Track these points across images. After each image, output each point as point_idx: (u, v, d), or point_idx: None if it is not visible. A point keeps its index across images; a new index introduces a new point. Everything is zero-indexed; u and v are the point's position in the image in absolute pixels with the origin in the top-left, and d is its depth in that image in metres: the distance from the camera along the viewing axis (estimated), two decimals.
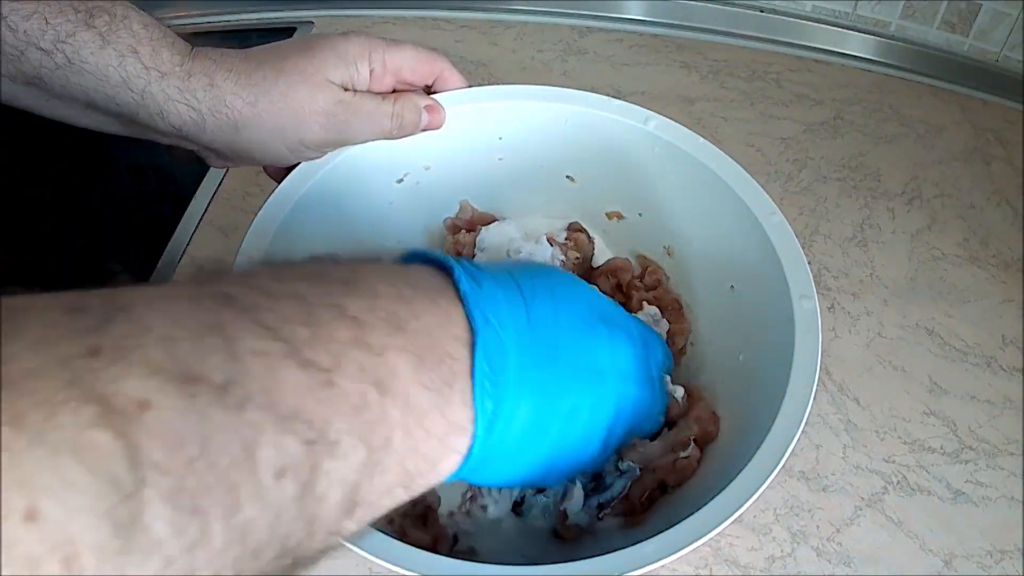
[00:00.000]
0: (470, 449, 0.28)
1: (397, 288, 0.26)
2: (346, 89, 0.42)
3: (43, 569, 0.15)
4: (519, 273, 0.32)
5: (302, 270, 0.25)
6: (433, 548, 0.36)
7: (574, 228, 0.50)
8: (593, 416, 0.34)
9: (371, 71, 0.43)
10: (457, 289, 0.29)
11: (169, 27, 0.42)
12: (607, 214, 0.50)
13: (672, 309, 0.47)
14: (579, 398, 0.33)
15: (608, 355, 0.34)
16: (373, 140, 0.44)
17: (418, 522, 0.40)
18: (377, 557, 0.31)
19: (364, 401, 0.23)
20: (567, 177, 0.50)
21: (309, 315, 0.23)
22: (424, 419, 0.25)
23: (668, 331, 0.46)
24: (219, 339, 0.20)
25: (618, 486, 0.40)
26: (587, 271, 0.50)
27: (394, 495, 0.25)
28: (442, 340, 0.27)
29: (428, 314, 0.27)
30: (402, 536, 0.36)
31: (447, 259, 0.30)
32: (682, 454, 0.40)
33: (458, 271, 0.29)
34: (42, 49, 0.38)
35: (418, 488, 0.27)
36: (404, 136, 0.45)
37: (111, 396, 0.17)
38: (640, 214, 0.49)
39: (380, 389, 0.23)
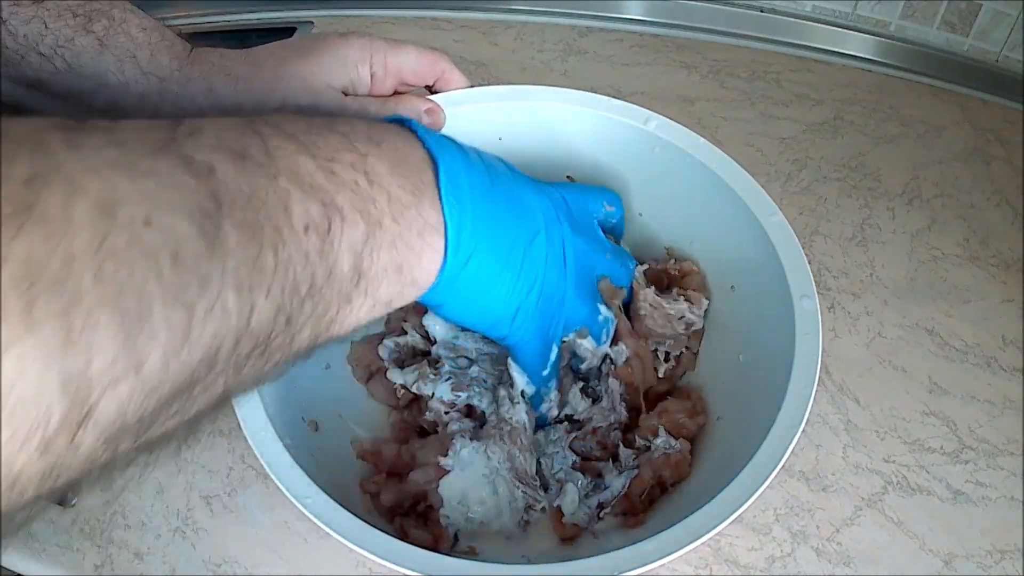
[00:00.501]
0: (445, 252, 0.33)
1: (370, 124, 0.33)
2: (347, 94, 0.42)
3: (159, 261, 0.21)
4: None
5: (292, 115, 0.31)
6: (434, 547, 0.36)
7: None
8: (547, 245, 0.39)
9: (372, 74, 0.43)
10: (419, 137, 0.35)
11: (169, 27, 0.41)
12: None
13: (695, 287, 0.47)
14: (528, 226, 0.38)
15: (545, 204, 0.40)
16: None
17: (419, 522, 0.40)
18: (378, 556, 0.32)
19: (358, 186, 0.29)
20: (567, 177, 0.50)
21: (309, 127, 0.29)
22: (405, 212, 0.31)
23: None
24: (256, 136, 0.27)
25: (617, 485, 0.41)
26: None
27: (389, 282, 0.31)
28: (410, 157, 0.33)
29: (398, 139, 0.33)
30: (403, 536, 0.36)
31: (409, 120, 0.36)
32: (675, 445, 0.40)
33: (417, 126, 0.35)
34: (42, 54, 0.38)
35: (408, 280, 0.32)
36: None
37: (190, 159, 0.23)
38: (640, 214, 0.49)
39: (367, 179, 0.30)
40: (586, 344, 0.42)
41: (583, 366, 0.43)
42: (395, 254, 0.31)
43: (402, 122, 0.35)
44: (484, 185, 0.36)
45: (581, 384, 0.45)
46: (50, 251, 0.19)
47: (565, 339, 0.42)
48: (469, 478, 0.40)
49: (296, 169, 0.27)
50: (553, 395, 0.43)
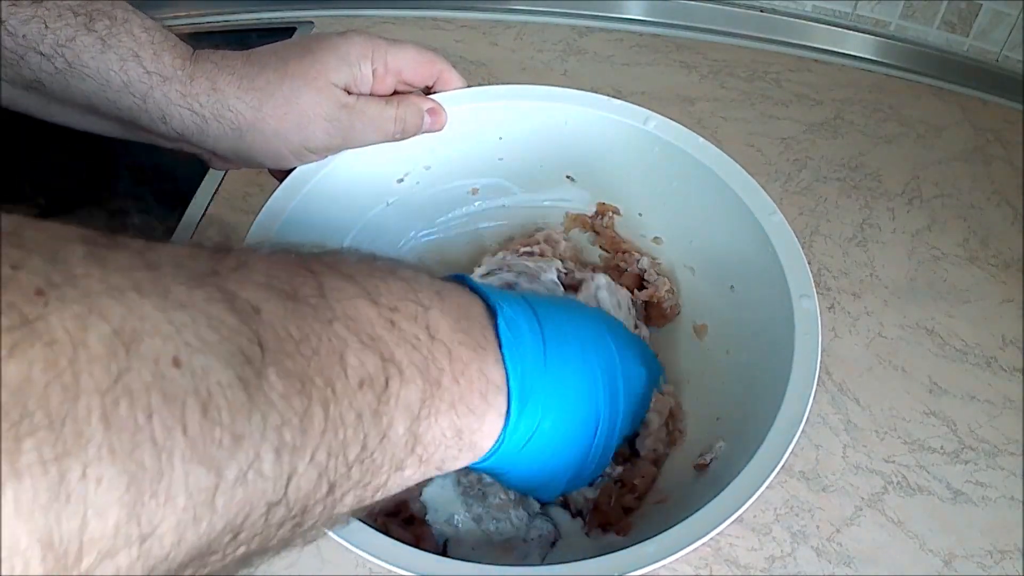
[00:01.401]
0: (508, 414, 0.30)
1: (431, 273, 0.31)
2: (349, 92, 0.42)
3: (187, 408, 0.18)
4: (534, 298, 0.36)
5: (350, 254, 0.29)
6: (416, 546, 0.36)
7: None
8: (605, 386, 0.36)
9: (373, 71, 0.43)
10: (478, 293, 0.33)
11: (169, 27, 0.41)
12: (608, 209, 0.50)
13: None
14: (591, 379, 0.35)
15: (617, 373, 0.37)
16: (375, 143, 0.44)
17: (402, 525, 0.40)
18: (378, 559, 0.31)
19: (418, 340, 0.27)
20: (567, 177, 0.50)
21: (371, 271, 0.27)
22: (466, 370, 0.29)
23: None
24: (310, 276, 0.24)
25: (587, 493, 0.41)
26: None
27: (446, 446, 0.28)
28: (471, 311, 0.31)
29: (458, 293, 0.31)
30: (385, 534, 0.36)
31: (465, 277, 0.34)
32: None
33: (473, 282, 0.33)
34: (42, 53, 0.38)
35: (467, 444, 0.29)
36: (406, 138, 0.45)
37: (234, 295, 0.21)
38: (640, 214, 0.49)
39: (429, 334, 0.27)
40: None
41: None
42: (455, 417, 0.28)
43: (459, 279, 0.34)
44: (549, 340, 0.33)
45: None
46: (52, 380, 0.16)
47: None
48: (449, 492, 0.40)
49: (355, 315, 0.24)
50: None
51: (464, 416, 0.28)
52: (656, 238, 0.49)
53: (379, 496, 0.26)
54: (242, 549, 0.21)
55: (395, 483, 0.27)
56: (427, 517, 0.40)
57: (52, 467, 0.15)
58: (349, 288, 0.25)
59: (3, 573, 0.15)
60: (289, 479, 0.21)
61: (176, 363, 0.18)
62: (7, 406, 0.15)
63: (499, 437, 0.31)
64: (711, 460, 0.39)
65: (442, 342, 0.28)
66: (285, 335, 0.22)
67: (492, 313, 0.32)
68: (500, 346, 0.31)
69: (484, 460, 0.31)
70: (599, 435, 0.36)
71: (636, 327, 0.46)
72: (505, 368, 0.31)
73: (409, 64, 0.44)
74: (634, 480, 0.41)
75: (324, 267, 0.25)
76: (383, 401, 0.24)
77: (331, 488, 0.23)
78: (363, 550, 0.31)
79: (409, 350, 0.26)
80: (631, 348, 0.40)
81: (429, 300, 0.28)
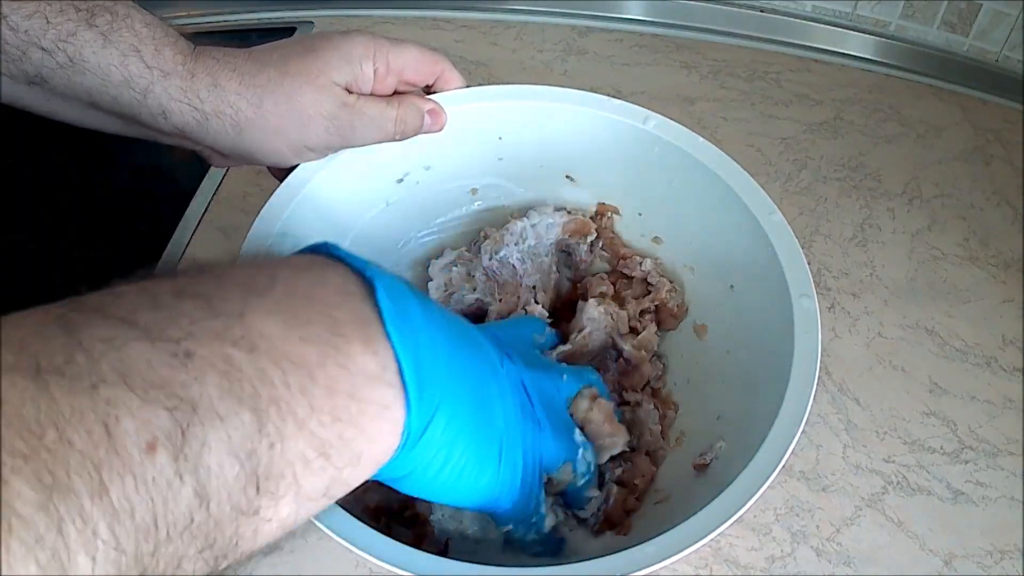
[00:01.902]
0: (407, 403, 0.26)
1: (258, 266, 0.26)
2: (350, 91, 0.42)
3: None
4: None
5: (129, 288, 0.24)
6: (417, 546, 0.36)
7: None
8: (510, 392, 0.33)
9: (375, 71, 0.43)
10: (343, 261, 0.28)
11: (172, 25, 0.41)
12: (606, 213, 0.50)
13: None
14: (492, 372, 0.32)
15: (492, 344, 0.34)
16: (375, 143, 0.44)
17: (405, 523, 0.40)
18: (377, 558, 0.31)
19: (230, 364, 0.22)
20: (567, 177, 0.50)
21: (154, 301, 0.22)
22: (316, 373, 0.24)
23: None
24: (65, 335, 0.20)
25: (594, 504, 0.40)
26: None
27: (312, 466, 0.24)
28: (319, 293, 0.26)
29: (302, 275, 0.26)
30: (387, 534, 0.36)
31: (327, 244, 0.29)
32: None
33: (338, 249, 0.28)
34: (43, 48, 0.38)
35: (348, 460, 0.25)
36: (405, 139, 0.45)
37: None
38: (640, 214, 0.49)
39: (246, 348, 0.22)
40: (569, 479, 0.38)
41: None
42: (311, 435, 0.23)
43: (318, 249, 0.29)
44: (438, 315, 0.29)
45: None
46: None
47: (550, 477, 0.37)
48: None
49: (126, 366, 0.20)
50: (547, 516, 0.38)
51: (327, 426, 0.24)
52: (656, 238, 0.49)
53: (246, 546, 0.23)
54: None
55: (260, 527, 0.23)
56: (431, 517, 0.40)
57: None
58: (119, 334, 0.21)
59: None
60: None
61: None
62: None
63: (402, 433, 0.27)
64: (711, 460, 0.39)
65: (268, 352, 0.23)
66: (32, 428, 0.18)
67: (367, 285, 0.27)
68: (381, 321, 0.26)
69: (389, 467, 0.27)
70: (514, 434, 0.33)
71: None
72: (391, 347, 0.26)
73: (411, 64, 0.44)
74: (634, 480, 0.41)
75: (89, 315, 0.21)
76: (187, 456, 0.20)
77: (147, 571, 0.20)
78: (362, 549, 0.31)
79: (216, 380, 0.21)
80: (533, 360, 0.38)
81: (240, 306, 0.23)
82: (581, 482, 0.38)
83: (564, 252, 0.50)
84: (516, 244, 0.48)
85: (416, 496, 0.32)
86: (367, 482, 0.27)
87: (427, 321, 0.28)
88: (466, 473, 0.31)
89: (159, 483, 0.20)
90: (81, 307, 0.21)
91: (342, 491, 0.26)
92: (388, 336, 0.26)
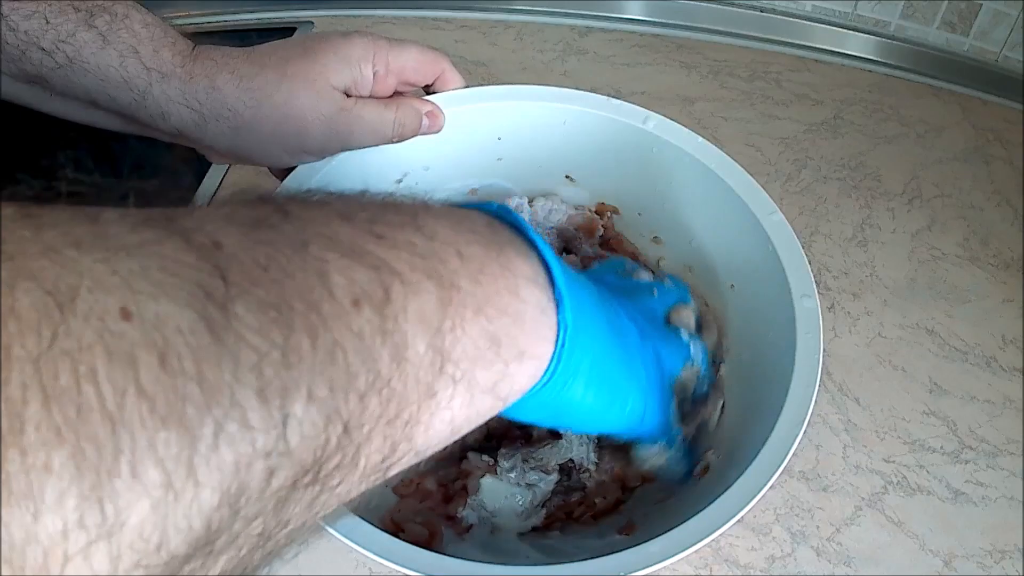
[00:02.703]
0: (560, 312, 0.27)
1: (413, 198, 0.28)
2: (348, 95, 0.42)
3: (141, 361, 0.16)
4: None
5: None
6: (428, 545, 0.36)
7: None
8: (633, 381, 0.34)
9: (374, 74, 0.43)
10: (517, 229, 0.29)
11: (172, 24, 0.41)
12: (606, 212, 0.50)
13: None
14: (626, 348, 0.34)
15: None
16: (373, 146, 0.44)
17: (448, 501, 0.41)
18: (380, 556, 0.31)
19: (414, 246, 0.23)
20: (567, 177, 0.50)
21: (342, 200, 0.24)
22: (484, 267, 0.25)
23: None
24: (274, 207, 0.22)
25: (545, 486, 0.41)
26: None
27: (487, 358, 0.24)
28: (470, 217, 0.27)
29: (452, 209, 0.27)
30: (397, 532, 0.36)
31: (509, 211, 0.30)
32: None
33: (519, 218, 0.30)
34: (43, 49, 0.38)
35: (511, 354, 0.25)
36: (403, 141, 0.45)
37: (191, 232, 0.19)
38: (639, 213, 0.49)
39: (425, 236, 0.24)
40: (695, 377, 0.40)
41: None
42: (485, 323, 0.24)
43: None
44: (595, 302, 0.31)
45: None
46: None
47: (678, 379, 0.39)
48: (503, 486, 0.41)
49: (331, 235, 0.21)
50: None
51: (496, 319, 0.25)
52: (655, 237, 0.49)
53: (420, 436, 0.23)
54: (256, 527, 0.18)
55: (433, 414, 0.23)
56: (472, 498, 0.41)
57: None
58: (318, 213, 0.22)
59: None
60: (285, 424, 0.18)
61: (125, 315, 0.16)
62: None
63: (556, 340, 0.27)
64: (707, 467, 0.39)
65: (445, 242, 0.24)
66: (251, 264, 0.19)
67: (511, 226, 0.29)
68: (528, 242, 0.28)
69: (547, 382, 0.28)
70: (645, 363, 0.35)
71: None
72: (540, 260, 0.27)
73: (411, 64, 0.44)
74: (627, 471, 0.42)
75: (289, 200, 0.23)
76: (388, 317, 0.21)
77: (346, 429, 0.20)
78: (361, 546, 0.31)
79: (406, 256, 0.22)
80: (628, 284, 0.41)
81: (413, 210, 0.25)
82: (703, 373, 0.40)
83: (564, 250, 0.50)
84: None
85: (569, 423, 0.34)
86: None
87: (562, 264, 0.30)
88: (617, 387, 0.32)
89: (364, 337, 0.20)
90: (277, 200, 0.23)
91: (507, 390, 0.26)
92: (537, 252, 0.28)
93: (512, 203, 0.49)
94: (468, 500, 0.41)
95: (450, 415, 0.24)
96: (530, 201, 0.50)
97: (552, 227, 0.49)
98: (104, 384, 0.15)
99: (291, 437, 0.18)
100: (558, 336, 0.27)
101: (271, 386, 0.18)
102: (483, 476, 0.41)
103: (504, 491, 0.41)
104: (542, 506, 0.41)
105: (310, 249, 0.20)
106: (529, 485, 0.41)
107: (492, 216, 0.29)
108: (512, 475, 0.41)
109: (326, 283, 0.20)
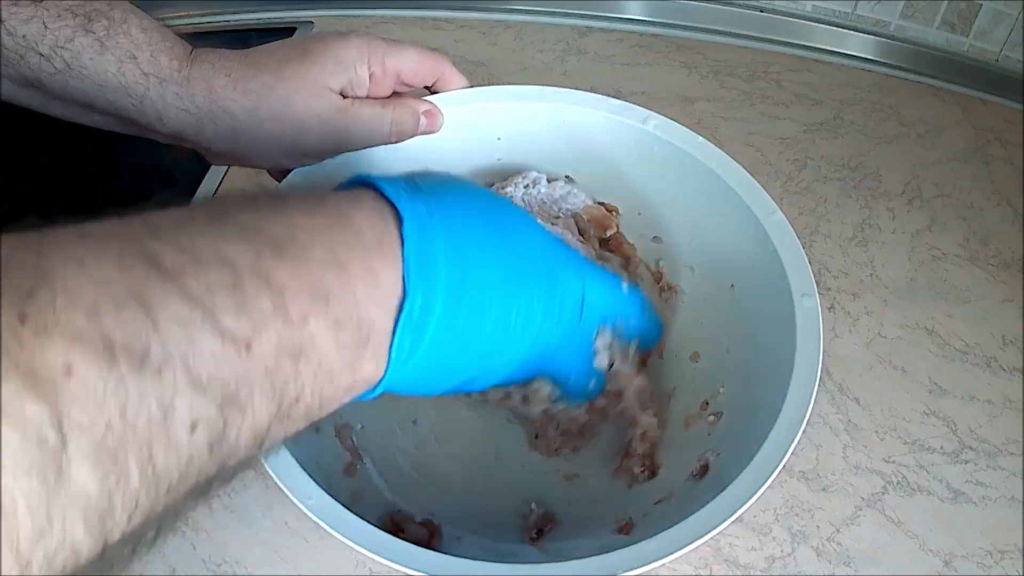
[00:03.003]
0: (377, 383, 0.29)
1: (333, 251, 0.27)
2: (345, 96, 0.42)
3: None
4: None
5: (238, 221, 0.26)
6: (428, 544, 0.36)
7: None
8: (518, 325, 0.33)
9: (371, 75, 0.43)
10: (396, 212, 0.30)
11: (169, 27, 0.41)
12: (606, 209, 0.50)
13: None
14: (510, 304, 0.33)
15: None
16: (370, 147, 0.44)
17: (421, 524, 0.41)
18: (381, 556, 0.31)
19: (278, 366, 0.24)
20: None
21: (235, 284, 0.24)
22: (335, 377, 0.27)
23: None
24: (142, 310, 0.21)
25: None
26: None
27: (299, 426, 0.27)
28: (366, 305, 0.28)
29: (359, 280, 0.28)
30: (397, 532, 0.36)
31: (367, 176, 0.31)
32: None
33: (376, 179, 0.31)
34: (41, 54, 0.38)
35: (341, 389, 0.28)
36: (402, 141, 0.45)
37: (38, 366, 0.19)
38: (639, 213, 0.49)
39: (294, 356, 0.25)
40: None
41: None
42: (310, 412, 0.27)
43: (359, 183, 0.31)
44: (471, 264, 0.31)
45: None
46: None
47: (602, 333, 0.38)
48: None
49: (192, 355, 0.22)
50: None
51: (323, 405, 0.28)
52: (655, 237, 0.49)
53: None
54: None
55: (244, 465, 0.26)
56: None
57: None
58: (193, 315, 0.22)
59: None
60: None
61: None
62: None
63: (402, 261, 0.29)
64: (706, 467, 0.39)
65: (311, 359, 0.26)
66: (96, 406, 0.20)
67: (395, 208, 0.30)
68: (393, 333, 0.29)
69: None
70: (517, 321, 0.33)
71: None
72: (389, 355, 0.29)
73: (408, 66, 0.44)
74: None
75: (168, 284, 0.22)
76: (222, 437, 0.23)
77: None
78: (362, 546, 0.31)
79: (262, 379, 0.24)
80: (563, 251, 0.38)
81: (308, 306, 0.25)
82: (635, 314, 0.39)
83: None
84: (524, 187, 0.48)
85: (469, 375, 0.33)
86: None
87: (450, 261, 0.30)
88: (511, 324, 0.32)
89: (194, 456, 0.22)
90: (160, 269, 0.22)
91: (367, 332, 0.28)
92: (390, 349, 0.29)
93: (530, 176, 0.49)
94: None
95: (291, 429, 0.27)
96: (549, 180, 0.50)
97: (569, 209, 0.49)
98: None
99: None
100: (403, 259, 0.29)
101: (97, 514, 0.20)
102: None
103: None
104: None
105: (163, 376, 0.21)
106: None
107: (385, 209, 0.30)
108: None
109: (167, 416, 0.21)
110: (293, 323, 0.25)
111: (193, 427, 0.22)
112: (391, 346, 0.29)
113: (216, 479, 0.25)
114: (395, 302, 0.29)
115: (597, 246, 0.50)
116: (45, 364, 0.19)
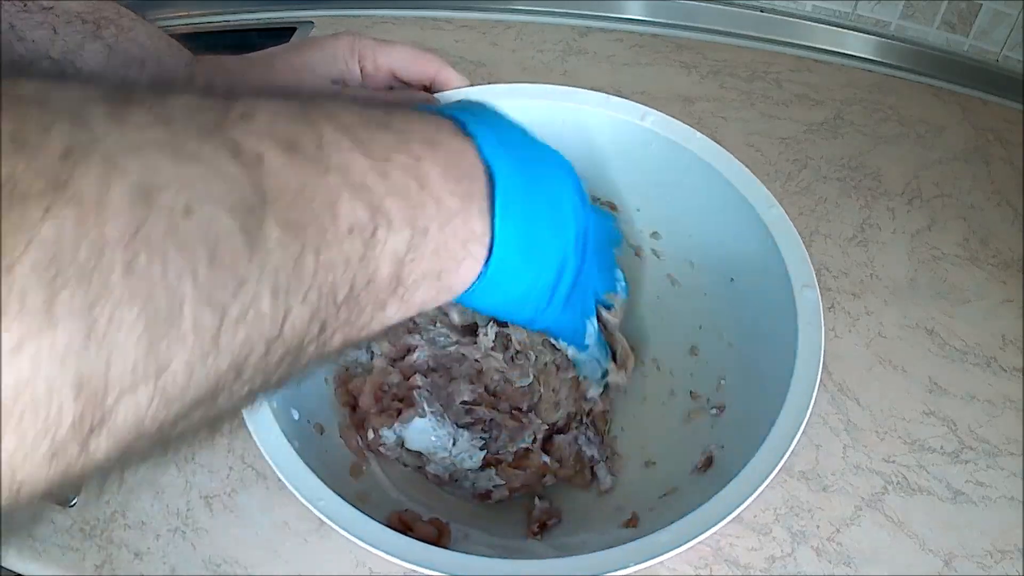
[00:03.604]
0: (487, 261, 0.32)
1: (426, 121, 0.32)
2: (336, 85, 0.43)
3: (196, 257, 0.20)
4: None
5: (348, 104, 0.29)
6: (438, 541, 0.36)
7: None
8: (575, 234, 0.38)
9: (362, 69, 0.43)
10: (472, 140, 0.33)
11: (169, 27, 0.42)
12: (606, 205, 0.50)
13: None
14: (563, 230, 0.37)
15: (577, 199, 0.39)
16: None
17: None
18: (391, 555, 0.31)
19: (408, 191, 0.28)
20: None
21: (367, 121, 0.28)
22: (451, 220, 0.30)
23: None
24: (310, 127, 0.25)
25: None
26: None
27: (425, 288, 0.30)
28: (463, 162, 0.31)
29: (453, 141, 0.32)
30: (407, 531, 0.36)
31: (462, 119, 0.34)
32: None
33: (471, 124, 0.33)
34: (51, 59, 0.38)
35: (444, 287, 0.31)
36: None
37: (239, 146, 0.22)
38: (638, 209, 0.49)
39: (420, 184, 0.28)
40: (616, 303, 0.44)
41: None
42: (436, 262, 0.30)
43: (455, 119, 0.34)
44: (531, 194, 0.35)
45: None
46: (80, 236, 0.17)
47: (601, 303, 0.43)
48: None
49: (348, 167, 0.26)
50: (609, 364, 0.45)
51: (445, 261, 0.30)
52: (655, 233, 0.49)
53: (364, 335, 0.28)
54: (247, 388, 0.23)
55: (378, 322, 0.29)
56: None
57: (84, 315, 0.17)
58: (344, 141, 0.26)
59: (40, 419, 0.17)
60: (285, 318, 0.23)
61: (187, 213, 0.20)
62: (44, 263, 0.17)
63: (475, 281, 0.32)
64: (710, 459, 0.39)
65: (431, 193, 0.29)
66: (284, 184, 0.23)
67: (484, 163, 0.33)
68: (490, 197, 0.32)
69: (459, 297, 0.33)
70: (567, 266, 0.37)
71: None
72: (491, 223, 0.32)
73: (400, 63, 0.44)
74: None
75: (323, 117, 0.26)
76: (370, 247, 0.26)
77: (323, 327, 0.25)
78: (371, 544, 0.31)
79: (399, 200, 0.27)
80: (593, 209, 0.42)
81: (421, 151, 0.29)
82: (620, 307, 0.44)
83: None
84: None
85: (477, 308, 0.38)
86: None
87: (521, 204, 0.33)
88: (523, 295, 0.36)
89: (350, 260, 0.25)
90: (316, 110, 0.26)
91: (429, 307, 0.31)
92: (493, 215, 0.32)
93: None
94: (395, 424, 0.43)
95: (387, 320, 0.29)
96: None
97: None
98: (171, 268, 0.19)
99: (287, 327, 0.23)
100: (477, 277, 0.32)
101: (282, 288, 0.22)
102: (413, 418, 0.43)
103: (429, 432, 0.43)
104: (482, 450, 0.44)
105: (329, 178, 0.25)
106: (450, 433, 0.44)
107: (478, 152, 0.33)
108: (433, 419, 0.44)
109: (334, 212, 0.24)
110: (413, 156, 0.28)
111: (350, 229, 0.25)
112: (493, 215, 0.32)
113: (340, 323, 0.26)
114: (483, 169, 0.32)
115: None
116: (244, 146, 0.22)
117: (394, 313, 0.29)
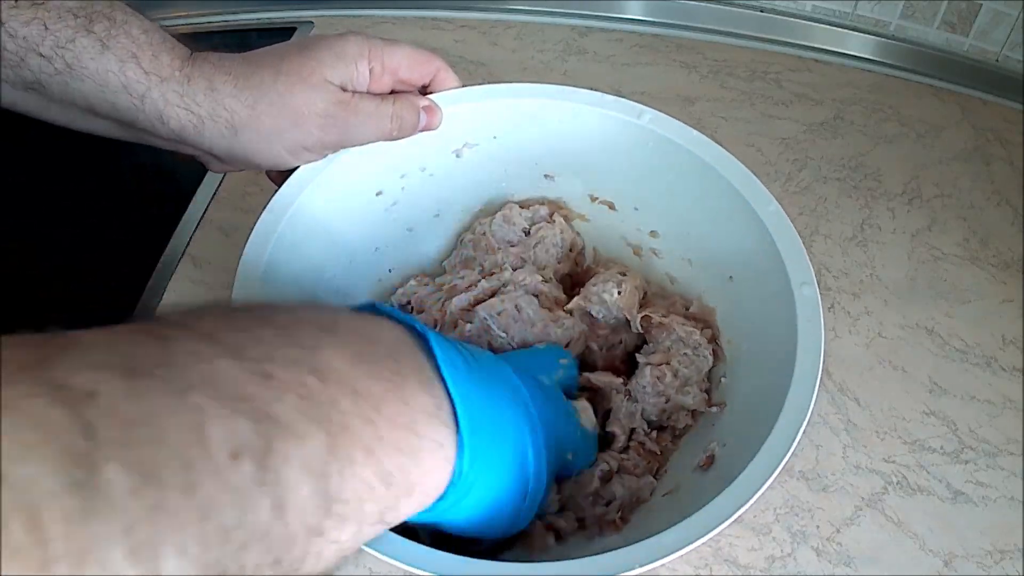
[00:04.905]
0: (460, 446, 0.28)
1: (320, 310, 0.28)
2: (345, 90, 0.42)
3: (10, 528, 0.16)
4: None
5: (212, 310, 0.25)
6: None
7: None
8: (525, 462, 0.34)
9: (370, 70, 0.43)
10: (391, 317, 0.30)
11: (169, 27, 0.42)
12: (604, 205, 0.51)
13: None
14: (521, 409, 0.34)
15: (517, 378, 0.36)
16: (372, 142, 0.44)
17: None
18: (389, 556, 0.31)
19: (306, 388, 0.23)
20: (564, 173, 0.50)
21: (233, 323, 0.24)
22: (381, 405, 0.25)
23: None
24: (157, 344, 0.21)
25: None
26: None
27: (376, 494, 0.25)
28: (379, 339, 0.27)
29: (358, 322, 0.28)
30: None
31: (378, 304, 0.31)
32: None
33: (385, 307, 0.31)
34: (42, 55, 0.38)
35: (403, 490, 0.26)
36: (403, 137, 0.44)
37: (62, 383, 0.18)
38: (636, 208, 0.49)
39: (319, 377, 0.24)
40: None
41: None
42: (376, 463, 0.25)
43: (372, 308, 0.30)
44: (475, 364, 0.31)
45: None
46: None
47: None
48: None
49: (213, 378, 0.21)
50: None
51: (389, 458, 0.25)
52: (653, 231, 0.49)
53: (308, 566, 0.23)
54: None
55: (320, 550, 0.23)
56: None
57: None
58: (206, 349, 0.22)
59: None
60: None
61: None
62: None
63: (453, 470, 0.28)
64: (712, 457, 0.39)
65: (339, 383, 0.24)
66: (124, 421, 0.19)
67: (417, 337, 0.29)
68: (435, 368, 0.28)
69: (435, 504, 0.29)
70: (531, 469, 0.34)
71: None
72: (445, 390, 0.28)
73: (405, 63, 0.44)
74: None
75: (176, 329, 0.22)
76: (269, 468, 0.21)
77: None
78: (370, 547, 0.31)
79: (295, 402, 0.22)
80: (543, 393, 0.38)
81: (314, 340, 0.25)
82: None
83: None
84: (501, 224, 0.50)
85: (454, 531, 0.34)
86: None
87: (469, 370, 0.30)
88: (499, 505, 0.33)
89: (241, 490, 0.20)
90: (167, 323, 0.23)
91: (393, 519, 0.27)
92: (442, 382, 0.28)
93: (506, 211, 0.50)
94: None
95: (338, 546, 0.24)
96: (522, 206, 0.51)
97: (544, 249, 0.50)
98: None
99: None
100: (455, 468, 0.28)
101: (143, 546, 0.18)
102: None
103: None
104: None
105: (189, 397, 0.20)
106: None
107: (404, 328, 0.29)
108: None
109: (202, 437, 0.20)
110: (304, 347, 0.25)
111: (234, 453, 0.20)
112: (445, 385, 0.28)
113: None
114: (417, 354, 0.29)
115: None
116: (69, 385, 0.18)
117: (341, 534, 0.24)
